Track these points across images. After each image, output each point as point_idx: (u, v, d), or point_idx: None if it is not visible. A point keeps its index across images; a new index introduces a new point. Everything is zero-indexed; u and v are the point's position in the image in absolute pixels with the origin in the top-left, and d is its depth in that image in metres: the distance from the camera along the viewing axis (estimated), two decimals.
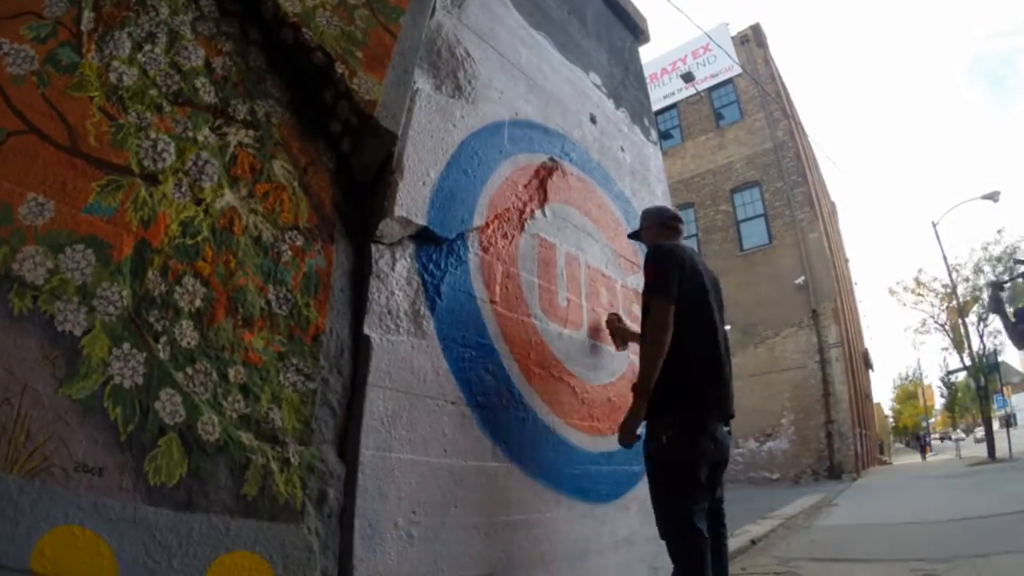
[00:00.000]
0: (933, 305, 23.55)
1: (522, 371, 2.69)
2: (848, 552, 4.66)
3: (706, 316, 2.41)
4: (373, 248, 2.21)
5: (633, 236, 3.03)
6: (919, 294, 23.78)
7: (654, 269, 2.42)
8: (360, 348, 2.10)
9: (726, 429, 2.48)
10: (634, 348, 3.56)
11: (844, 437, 14.84)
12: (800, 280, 16.27)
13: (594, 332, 3.26)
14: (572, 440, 2.88)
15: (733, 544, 4.56)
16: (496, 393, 2.53)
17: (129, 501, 1.47)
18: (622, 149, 4.13)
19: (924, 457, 28.29)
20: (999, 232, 23.36)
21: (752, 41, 19.80)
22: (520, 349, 2.71)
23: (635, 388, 2.30)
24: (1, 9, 1.55)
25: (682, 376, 2.27)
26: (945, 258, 20.04)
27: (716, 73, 20.01)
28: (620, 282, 3.64)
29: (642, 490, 3.26)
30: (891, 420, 57.89)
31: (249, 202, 1.94)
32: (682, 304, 2.30)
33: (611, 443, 3.13)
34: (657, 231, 2.76)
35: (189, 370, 1.67)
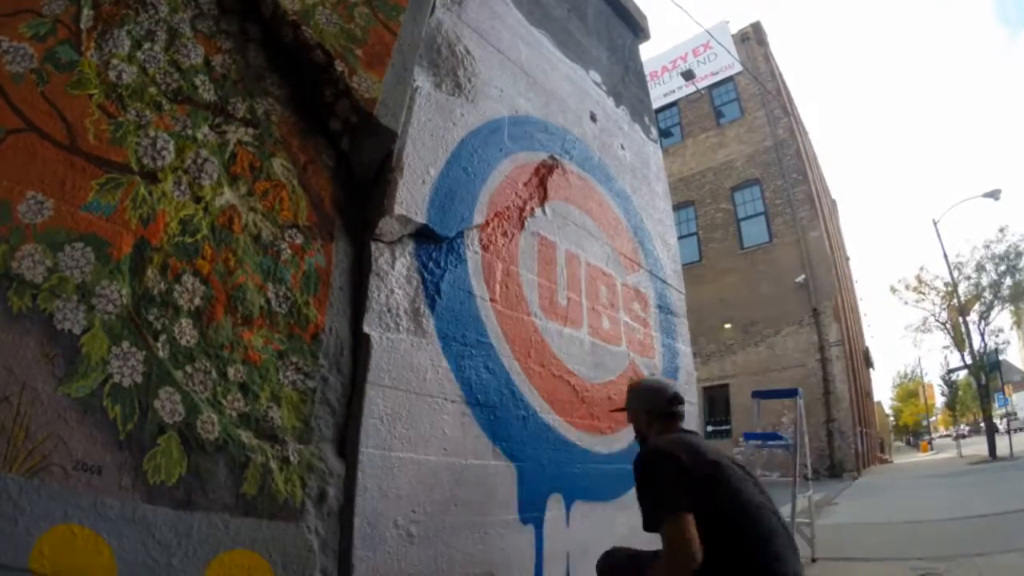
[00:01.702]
0: (934, 303, 23.53)
1: (522, 369, 2.68)
2: (849, 551, 4.66)
3: (738, 514, 1.73)
4: (373, 246, 2.20)
5: (620, 411, 2.37)
6: (920, 292, 23.75)
7: (642, 482, 1.84)
8: (360, 346, 2.09)
9: None
10: (635, 348, 3.55)
11: (845, 436, 14.84)
12: (801, 278, 16.26)
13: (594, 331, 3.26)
14: (572, 438, 2.87)
15: None
16: (496, 391, 2.53)
17: (128, 500, 1.47)
18: (622, 147, 4.13)
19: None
20: (1001, 231, 23.27)
21: (752, 39, 19.77)
22: (520, 347, 2.71)
23: None
24: (0, 7, 1.55)
25: None
26: (946, 256, 19.98)
27: (716, 71, 19.99)
28: (620, 280, 3.64)
29: None
30: (892, 419, 57.91)
31: (248, 200, 1.94)
32: (700, 509, 1.66)
33: (611, 442, 3.13)
34: (650, 422, 2.10)
35: (188, 368, 1.66)
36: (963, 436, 31.15)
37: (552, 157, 3.28)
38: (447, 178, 2.54)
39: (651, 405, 2.10)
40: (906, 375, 56.11)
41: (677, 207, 16.70)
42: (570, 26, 4.01)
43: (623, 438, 3.22)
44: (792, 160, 17.64)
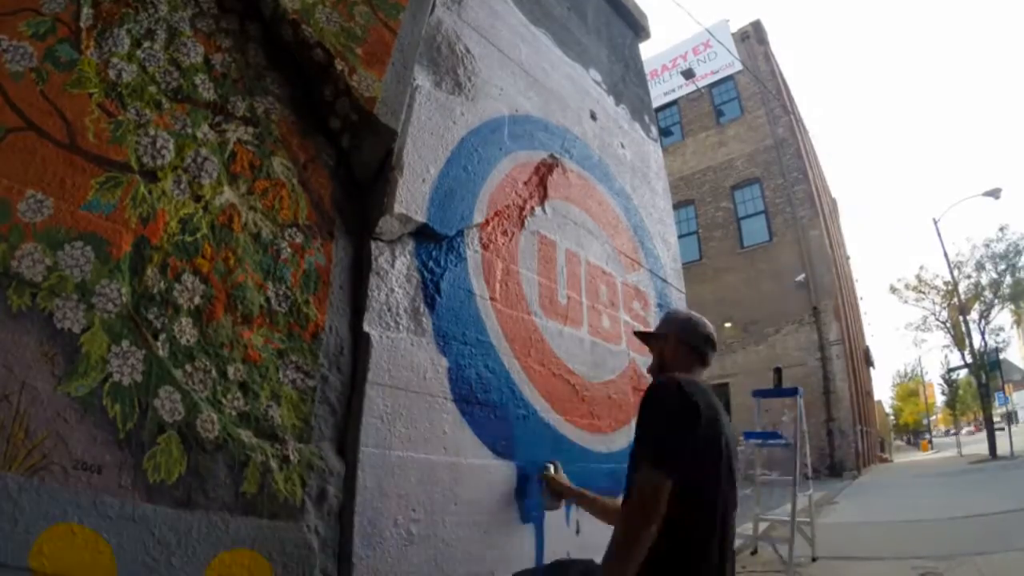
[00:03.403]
0: (935, 302, 23.54)
1: (522, 368, 2.68)
2: (850, 550, 4.66)
3: (712, 509, 1.65)
4: (373, 245, 2.20)
5: (642, 337, 2.22)
6: (920, 291, 23.76)
7: (652, 418, 1.69)
8: (359, 345, 2.09)
9: None
10: (635, 347, 3.55)
11: (845, 435, 14.85)
12: (801, 277, 16.27)
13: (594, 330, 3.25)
14: (572, 437, 2.87)
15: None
16: (496, 390, 2.53)
17: (128, 499, 1.47)
18: (622, 146, 4.12)
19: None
20: (1001, 230, 23.24)
21: (753, 38, 19.77)
22: (520, 346, 2.70)
23: None
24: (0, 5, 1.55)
25: None
26: (946, 255, 20.01)
27: (717, 70, 19.99)
28: (620, 279, 3.64)
29: None
30: (892, 418, 57.90)
31: (248, 199, 1.93)
32: (685, 482, 1.57)
33: (611, 441, 3.13)
34: (678, 350, 1.96)
35: (188, 367, 1.66)
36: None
37: (552, 156, 3.28)
38: (447, 177, 2.53)
39: (688, 336, 1.95)
40: (906, 374, 56.15)
41: (677, 206, 16.71)
42: (570, 25, 4.01)
43: (623, 437, 3.23)
44: (792, 159, 17.65)
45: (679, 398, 1.67)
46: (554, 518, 2.63)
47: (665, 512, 1.54)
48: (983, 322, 20.92)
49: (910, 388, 54.40)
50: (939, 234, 20.15)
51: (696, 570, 1.59)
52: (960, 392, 33.70)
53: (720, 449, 1.67)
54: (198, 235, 1.78)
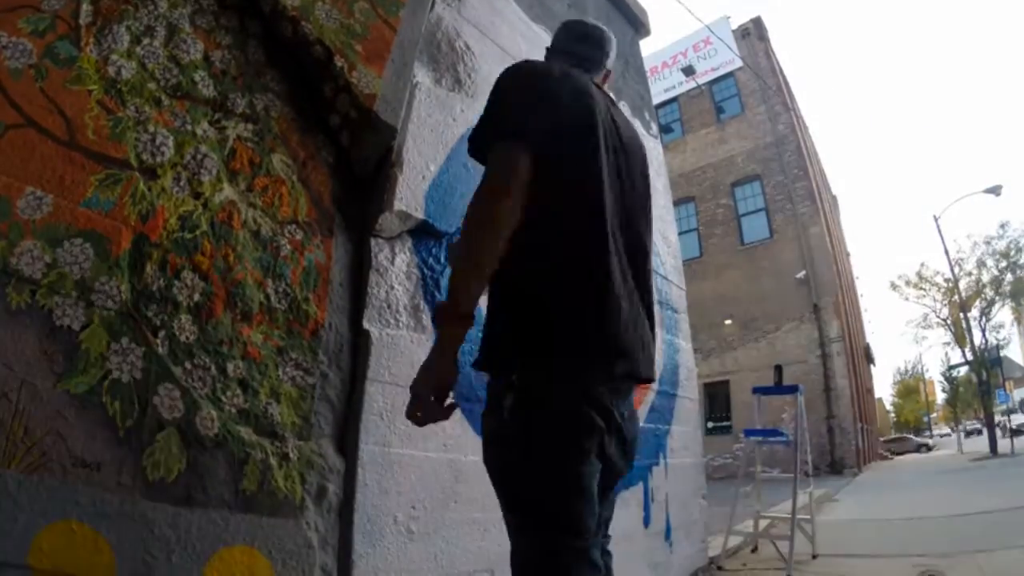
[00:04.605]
0: (935, 300, 23.52)
1: None
2: (850, 548, 4.66)
3: (596, 182, 1.28)
4: (372, 242, 2.20)
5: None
6: (921, 288, 23.75)
7: (499, 93, 1.40)
8: (359, 342, 2.09)
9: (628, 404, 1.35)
10: None
11: (845, 432, 14.86)
12: (801, 274, 16.26)
13: None
14: None
15: (734, 540, 4.56)
16: None
17: (127, 496, 1.47)
18: None
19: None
20: (1002, 227, 23.14)
21: (753, 34, 19.73)
22: None
23: (439, 307, 1.25)
24: None
25: (543, 290, 1.23)
26: (947, 252, 19.99)
27: (717, 67, 19.96)
28: None
29: (643, 486, 3.27)
30: (892, 415, 57.93)
31: (248, 196, 1.93)
32: (551, 152, 1.22)
33: None
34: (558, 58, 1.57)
35: (188, 365, 1.66)
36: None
37: None
38: (447, 174, 2.53)
39: (569, 37, 1.68)
40: (907, 371, 56.14)
41: (677, 203, 16.70)
42: None
43: None
44: (793, 156, 17.63)
45: (530, 67, 1.43)
46: None
47: (531, 201, 1.19)
48: (984, 319, 20.90)
49: (910, 385, 54.39)
50: (940, 231, 20.12)
51: (576, 260, 1.24)
52: (961, 389, 33.67)
53: (596, 132, 1.30)
54: (197, 232, 1.78)
